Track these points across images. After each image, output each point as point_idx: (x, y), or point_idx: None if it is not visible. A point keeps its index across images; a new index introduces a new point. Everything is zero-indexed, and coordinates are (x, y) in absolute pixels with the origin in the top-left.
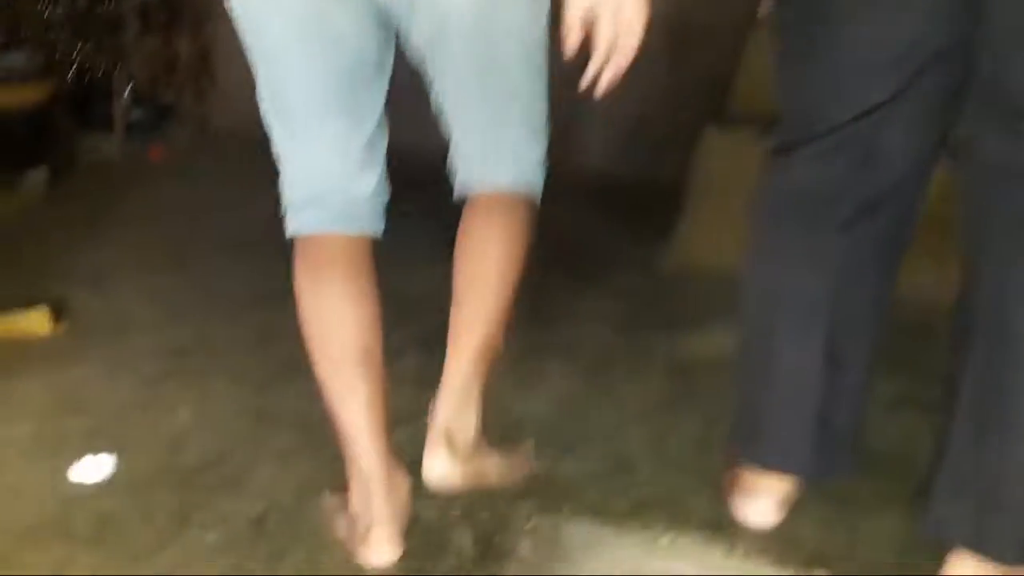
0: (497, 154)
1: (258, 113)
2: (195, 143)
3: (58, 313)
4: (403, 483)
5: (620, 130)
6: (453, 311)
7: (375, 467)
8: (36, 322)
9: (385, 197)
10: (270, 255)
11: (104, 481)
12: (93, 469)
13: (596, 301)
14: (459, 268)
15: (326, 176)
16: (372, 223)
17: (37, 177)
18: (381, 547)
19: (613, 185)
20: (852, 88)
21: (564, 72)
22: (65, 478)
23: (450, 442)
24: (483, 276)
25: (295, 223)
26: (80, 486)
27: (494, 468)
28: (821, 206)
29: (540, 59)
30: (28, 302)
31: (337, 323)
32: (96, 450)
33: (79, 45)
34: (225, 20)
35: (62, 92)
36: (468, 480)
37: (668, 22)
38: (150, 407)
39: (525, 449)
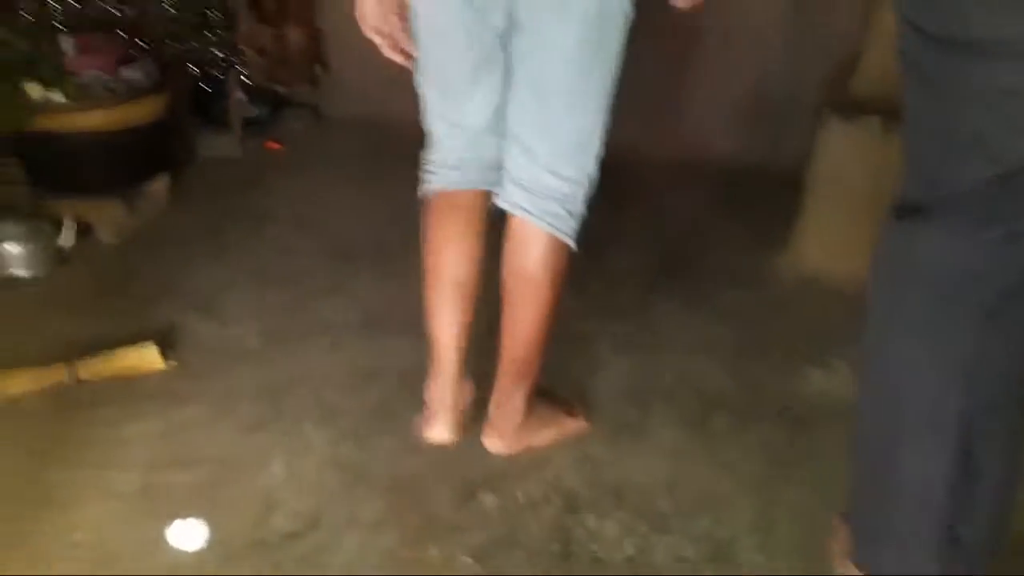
0: (530, 173)
1: (369, 99)
2: (310, 133)
3: (170, 343)
4: (469, 387)
5: (734, 110)
6: (501, 329)
7: (448, 363)
8: (147, 359)
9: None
10: (377, 270)
11: (197, 550)
12: (188, 534)
13: (705, 326)
14: (503, 288)
15: (467, 141)
16: (496, 184)
17: (158, 188)
18: (440, 427)
19: (727, 172)
20: (1000, 138)
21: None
22: (162, 541)
23: (498, 430)
24: (514, 316)
25: (436, 181)
26: (175, 553)
27: (545, 436)
28: (954, 291)
29: (594, 80)
30: (142, 331)
31: (446, 254)
32: (195, 509)
33: (194, 46)
34: (334, 8)
35: (180, 97)
36: (517, 449)
37: None
38: (247, 459)
39: (577, 412)
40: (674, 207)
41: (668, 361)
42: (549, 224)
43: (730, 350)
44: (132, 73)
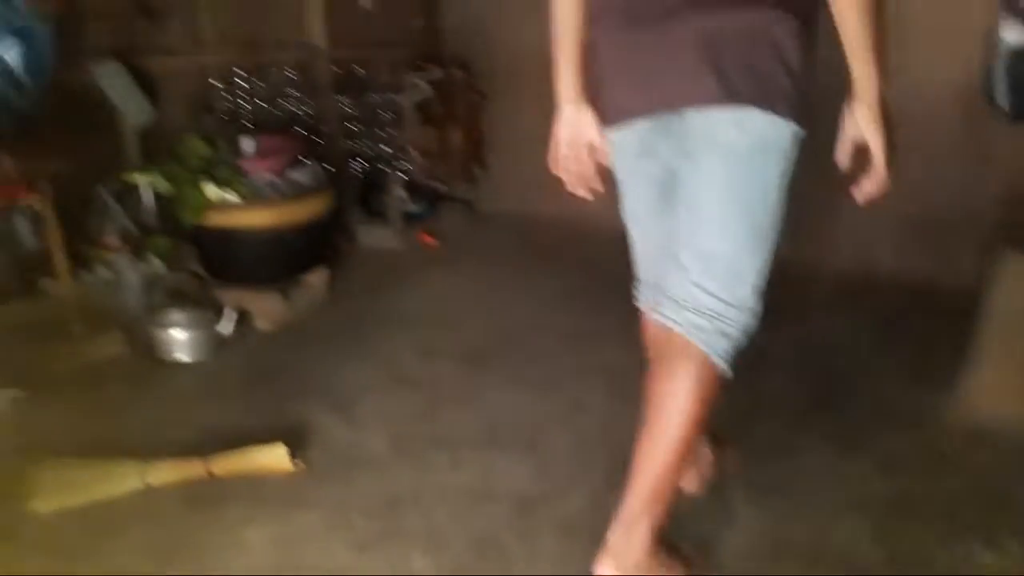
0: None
1: (522, 197)
2: (464, 228)
3: (300, 442)
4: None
5: (900, 228)
6: (636, 447)
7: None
8: (277, 460)
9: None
10: (509, 378)
11: None
12: None
13: (854, 477)
14: (647, 408)
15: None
16: None
17: (316, 279)
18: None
19: (889, 290)
20: None
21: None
22: None
23: (617, 560)
24: (654, 430)
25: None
26: None
27: None
28: None
29: (751, 215)
30: (279, 426)
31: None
32: None
33: (364, 143)
34: (493, 111)
35: (346, 192)
36: None
37: (965, 101)
38: None
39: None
40: (830, 329)
41: (807, 516)
42: (696, 338)
43: (881, 509)
44: (299, 175)
